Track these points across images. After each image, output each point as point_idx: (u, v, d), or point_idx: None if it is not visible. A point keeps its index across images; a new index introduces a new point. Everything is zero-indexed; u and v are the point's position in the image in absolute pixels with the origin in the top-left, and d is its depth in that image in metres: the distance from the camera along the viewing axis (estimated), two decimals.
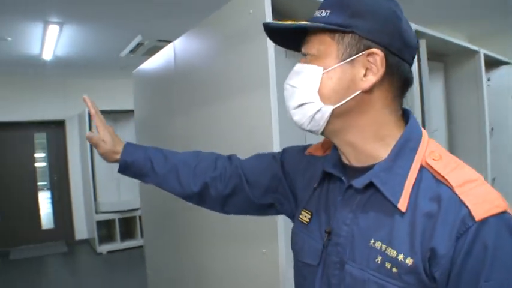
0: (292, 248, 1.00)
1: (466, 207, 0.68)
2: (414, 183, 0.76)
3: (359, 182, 0.82)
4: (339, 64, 0.79)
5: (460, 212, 0.68)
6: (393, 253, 0.74)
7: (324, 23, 0.80)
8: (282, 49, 2.09)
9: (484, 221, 0.67)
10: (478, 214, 0.67)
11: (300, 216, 0.98)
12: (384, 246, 0.76)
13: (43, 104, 6.81)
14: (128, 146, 1.17)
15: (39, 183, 7.36)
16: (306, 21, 0.82)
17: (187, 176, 1.13)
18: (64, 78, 6.84)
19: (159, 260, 3.06)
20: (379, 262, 0.76)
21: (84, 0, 3.61)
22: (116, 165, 1.17)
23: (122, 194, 6.96)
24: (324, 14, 0.81)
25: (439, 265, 0.69)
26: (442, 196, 0.71)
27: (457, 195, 0.70)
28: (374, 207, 0.80)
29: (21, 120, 6.77)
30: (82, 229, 7.18)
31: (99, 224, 6.52)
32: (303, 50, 0.85)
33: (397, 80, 0.81)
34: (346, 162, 0.89)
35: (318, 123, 0.83)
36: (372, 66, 0.78)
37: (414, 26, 2.19)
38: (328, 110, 0.81)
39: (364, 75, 0.79)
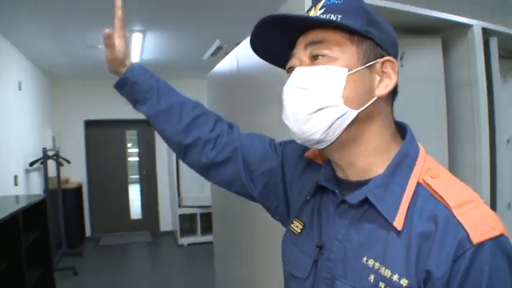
0: (282, 256, 0.97)
1: (464, 229, 0.65)
2: (410, 201, 0.73)
3: (353, 198, 0.78)
4: (362, 67, 0.77)
5: (457, 234, 0.66)
6: (387, 273, 0.70)
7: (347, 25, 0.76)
8: None
9: (481, 244, 0.64)
10: (476, 237, 0.64)
11: (292, 225, 0.94)
12: (377, 265, 0.72)
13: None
14: (137, 65, 1.08)
15: (130, 177, 8.00)
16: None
17: (182, 125, 1.04)
18: None
19: (226, 257, 3.19)
20: (372, 281, 0.72)
21: (164, 9, 3.89)
22: None
23: (204, 189, 7.31)
24: (333, 18, 0.76)
25: (434, 285, 0.67)
26: (438, 216, 0.68)
27: (454, 216, 0.67)
28: (368, 224, 0.76)
29: (114, 119, 7.42)
30: (167, 221, 7.67)
31: (182, 217, 6.90)
32: (313, 51, 0.78)
33: (394, 91, 0.82)
34: (341, 176, 0.85)
35: (333, 132, 0.77)
36: (385, 73, 0.79)
37: (482, 24, 2.07)
38: (353, 114, 0.76)
39: (379, 82, 0.78)
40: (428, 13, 1.92)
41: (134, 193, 8.16)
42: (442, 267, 0.65)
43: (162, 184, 7.67)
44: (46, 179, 5.49)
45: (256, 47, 0.91)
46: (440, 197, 0.70)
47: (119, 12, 1.07)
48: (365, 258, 0.74)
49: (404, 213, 0.72)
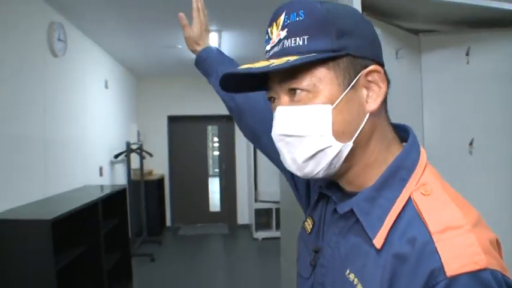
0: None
1: (440, 258, 0.58)
2: (397, 218, 0.67)
3: (342, 208, 0.75)
4: (344, 93, 0.69)
5: (432, 263, 0.58)
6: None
7: (309, 52, 0.69)
8: (392, 50, 2.16)
9: (456, 278, 0.56)
10: (450, 269, 0.57)
11: (305, 222, 0.92)
12: (356, 280, 0.69)
13: (215, 100, 7.61)
14: (210, 46, 1.26)
15: (211, 170, 8.30)
16: (278, 57, 0.72)
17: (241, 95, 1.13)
18: None
19: (290, 252, 3.27)
20: None
21: (238, 9, 4.02)
22: None
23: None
24: (299, 42, 0.70)
25: None
26: (417, 239, 0.61)
27: (433, 242, 0.60)
28: (354, 236, 0.73)
29: (197, 114, 7.76)
30: (243, 215, 7.86)
31: (258, 211, 7.04)
32: (289, 85, 0.72)
33: (387, 92, 0.74)
34: (343, 187, 0.81)
35: (333, 168, 0.73)
36: (372, 84, 0.71)
37: None
38: (348, 147, 0.71)
39: (368, 96, 0.71)
40: (497, 5, 1.82)
41: (214, 186, 8.47)
42: None
43: (241, 178, 7.88)
44: (129, 170, 5.89)
45: (228, 88, 0.84)
46: (424, 219, 0.63)
47: (195, 4, 1.27)
48: (347, 271, 0.71)
49: (387, 230, 0.66)
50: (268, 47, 0.76)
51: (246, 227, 7.75)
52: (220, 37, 4.93)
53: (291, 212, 3.46)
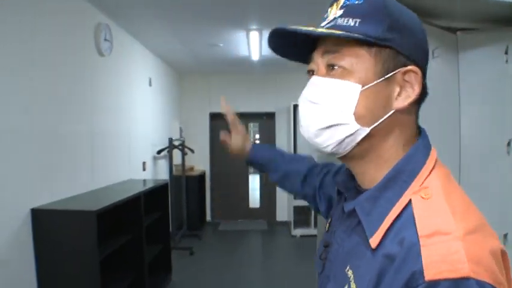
0: None
1: (421, 262, 0.58)
2: (394, 221, 0.68)
3: (347, 207, 0.78)
4: (377, 81, 0.72)
5: (414, 265, 0.58)
6: (353, 284, 0.71)
7: (358, 34, 0.71)
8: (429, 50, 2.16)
9: (435, 283, 0.56)
10: (429, 274, 0.56)
11: (327, 222, 0.96)
12: (352, 277, 0.71)
13: (257, 98, 7.75)
14: (254, 147, 1.39)
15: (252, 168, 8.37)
16: (324, 27, 0.76)
17: (297, 183, 1.26)
18: (275, 75, 7.63)
19: None
20: None
21: (277, 8, 4.06)
22: None
23: None
24: (351, 23, 0.72)
25: None
26: (406, 241, 0.62)
27: (419, 245, 0.60)
28: (357, 235, 0.75)
29: (239, 112, 7.79)
30: (282, 212, 7.89)
31: (297, 209, 7.05)
32: (330, 60, 0.75)
33: (423, 100, 0.76)
34: (358, 182, 0.82)
35: (345, 147, 0.75)
36: (407, 84, 0.73)
37: None
38: (364, 132, 0.73)
39: (399, 94, 0.73)
40: None
41: (254, 183, 8.55)
42: None
43: None
44: (171, 166, 6.06)
45: (274, 47, 0.85)
46: (416, 221, 0.64)
47: (228, 118, 1.42)
48: (347, 268, 0.74)
49: (383, 232, 0.68)
50: (323, 24, 0.78)
51: (285, 224, 7.78)
52: (261, 36, 4.99)
53: None
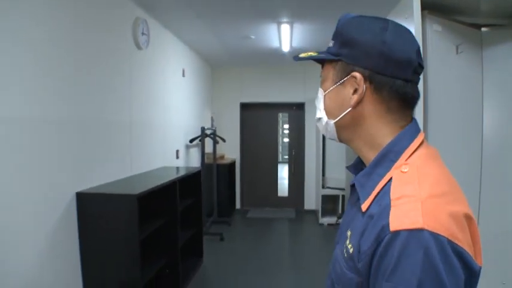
0: None
1: (388, 217, 0.75)
2: (380, 190, 0.84)
3: (350, 182, 0.97)
4: (333, 86, 0.95)
5: (384, 220, 0.75)
6: (347, 242, 0.88)
7: (326, 53, 0.96)
8: (452, 45, 2.23)
9: (397, 232, 0.72)
10: (393, 226, 0.73)
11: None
12: (349, 235, 0.88)
13: (286, 88, 7.86)
14: None
15: (281, 157, 8.50)
16: (318, 51, 1.00)
17: None
18: (304, 66, 7.70)
19: None
20: (343, 246, 0.90)
21: (308, 2, 4.17)
22: None
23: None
24: (331, 45, 0.96)
25: (361, 258, 0.80)
26: (382, 204, 0.80)
27: (390, 206, 0.77)
28: (356, 204, 0.92)
29: (268, 102, 8.01)
30: (310, 200, 8.03)
31: (325, 198, 7.15)
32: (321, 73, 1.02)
33: (388, 95, 0.89)
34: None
35: (332, 134, 1.00)
36: (356, 86, 0.90)
37: None
38: (331, 123, 0.98)
39: (353, 94, 0.91)
40: None
41: (283, 173, 8.69)
42: (367, 244, 0.78)
43: (309, 165, 8.03)
44: (203, 154, 6.26)
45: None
46: (390, 189, 0.81)
47: None
48: (348, 230, 0.91)
49: (372, 199, 0.85)
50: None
51: (313, 212, 7.91)
52: (292, 28, 5.09)
53: None
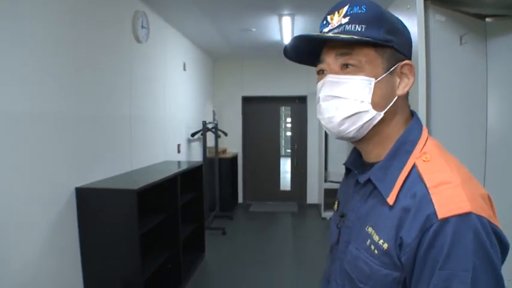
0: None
1: (433, 206, 0.75)
2: (404, 181, 0.84)
3: (362, 178, 0.94)
4: (385, 74, 0.88)
5: (428, 209, 0.75)
6: (377, 238, 0.85)
7: (367, 37, 0.85)
8: (456, 36, 2.19)
9: (446, 219, 0.73)
10: (441, 213, 0.73)
11: (334, 205, 1.13)
12: (373, 232, 0.86)
13: (288, 82, 7.81)
14: None
15: (283, 151, 8.46)
16: (333, 33, 0.89)
17: None
18: None
19: None
20: (367, 244, 0.87)
21: None
22: None
23: None
24: (358, 29, 0.86)
25: (405, 252, 0.78)
26: (417, 194, 0.78)
27: (429, 194, 0.77)
28: (371, 200, 0.91)
29: (270, 95, 7.97)
30: (313, 194, 8.01)
31: (327, 191, 7.10)
32: (344, 60, 0.88)
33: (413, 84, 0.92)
34: (364, 159, 0.99)
35: (364, 131, 0.91)
36: (404, 75, 0.90)
37: None
38: (379, 117, 0.89)
39: (399, 83, 0.90)
40: None
41: (285, 166, 8.66)
42: (411, 236, 0.76)
43: (311, 159, 7.99)
44: (205, 148, 6.24)
45: (288, 54, 1.02)
46: (423, 178, 0.80)
47: None
48: (367, 227, 0.89)
49: (397, 191, 0.84)
50: (325, 29, 0.92)
51: (315, 206, 7.89)
52: (293, 21, 5.05)
53: None
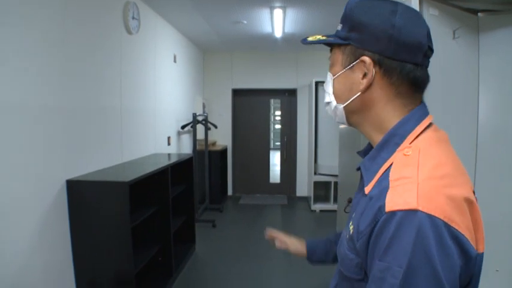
0: None
1: (385, 198, 0.76)
2: (383, 173, 0.85)
3: (357, 166, 0.98)
4: (342, 71, 0.94)
5: (381, 201, 0.76)
6: (350, 223, 0.89)
7: (334, 37, 0.95)
8: (449, 30, 2.20)
9: (392, 213, 0.73)
10: (389, 206, 0.74)
11: None
12: (353, 217, 0.90)
13: (278, 74, 7.81)
14: (308, 244, 1.52)
15: (273, 144, 8.46)
16: (327, 35, 0.99)
17: None
18: (296, 53, 7.68)
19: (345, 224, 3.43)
20: (347, 229, 0.92)
21: None
22: None
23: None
24: (339, 28, 0.95)
25: (358, 238, 0.81)
26: (382, 185, 0.80)
27: (389, 187, 0.77)
28: (362, 188, 0.92)
29: (260, 88, 7.96)
30: (302, 187, 8.04)
31: (317, 184, 7.19)
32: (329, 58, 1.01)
33: (398, 79, 0.89)
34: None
35: (340, 118, 1.00)
36: (366, 71, 0.90)
37: None
38: (340, 107, 0.97)
39: (362, 79, 0.90)
40: None
41: (275, 159, 8.67)
42: (365, 224, 0.79)
43: (301, 152, 8.02)
44: (195, 141, 6.21)
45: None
46: (391, 171, 0.82)
47: (280, 242, 1.64)
48: (353, 213, 0.92)
49: (375, 181, 0.86)
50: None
51: (305, 199, 7.93)
52: (284, 13, 5.03)
53: (348, 185, 3.59)
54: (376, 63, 0.89)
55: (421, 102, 0.94)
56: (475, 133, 2.33)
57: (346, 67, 0.93)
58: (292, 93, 8.02)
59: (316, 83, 7.02)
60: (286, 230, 5.39)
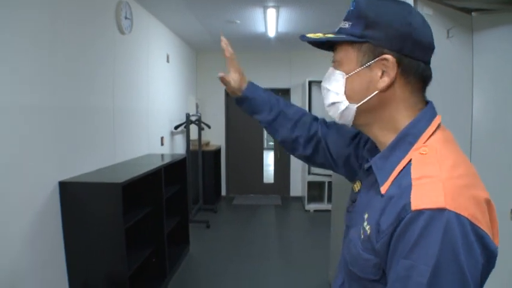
0: None
1: (410, 196, 0.76)
2: (399, 172, 0.85)
3: (366, 165, 0.98)
4: (358, 69, 0.92)
5: (405, 199, 0.76)
6: (365, 224, 0.88)
7: (346, 35, 0.92)
8: (443, 29, 2.21)
9: (418, 212, 0.73)
10: (415, 205, 0.74)
11: (354, 185, 1.12)
12: (366, 218, 0.89)
13: (272, 74, 7.80)
14: (250, 84, 1.39)
15: (266, 144, 8.44)
16: (334, 32, 0.97)
17: (288, 127, 1.33)
18: (289, 52, 7.67)
19: (341, 224, 3.41)
20: (360, 229, 0.91)
21: None
22: None
23: None
24: (346, 26, 0.93)
25: (380, 238, 0.80)
26: (402, 184, 0.80)
27: (411, 185, 0.78)
28: (373, 187, 0.93)
29: None
30: (296, 187, 8.03)
31: (311, 184, 7.20)
32: (333, 56, 0.99)
33: (413, 78, 0.90)
34: (378, 147, 1.01)
35: (347, 119, 0.97)
36: (386, 69, 0.89)
37: None
38: (353, 107, 0.94)
39: (381, 77, 0.90)
40: None
41: (268, 159, 8.65)
42: (387, 223, 0.78)
43: None
44: (188, 141, 6.19)
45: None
46: (411, 170, 0.82)
47: (226, 54, 1.44)
48: (365, 213, 0.91)
49: (391, 181, 0.86)
50: (336, 29, 0.99)
51: (299, 199, 7.92)
52: (278, 13, 5.02)
53: (342, 185, 3.58)
54: (395, 61, 0.89)
55: (427, 101, 0.96)
56: (469, 132, 2.34)
57: (364, 65, 0.91)
58: (285, 92, 8.00)
59: (310, 83, 7.02)
60: (280, 230, 5.43)
